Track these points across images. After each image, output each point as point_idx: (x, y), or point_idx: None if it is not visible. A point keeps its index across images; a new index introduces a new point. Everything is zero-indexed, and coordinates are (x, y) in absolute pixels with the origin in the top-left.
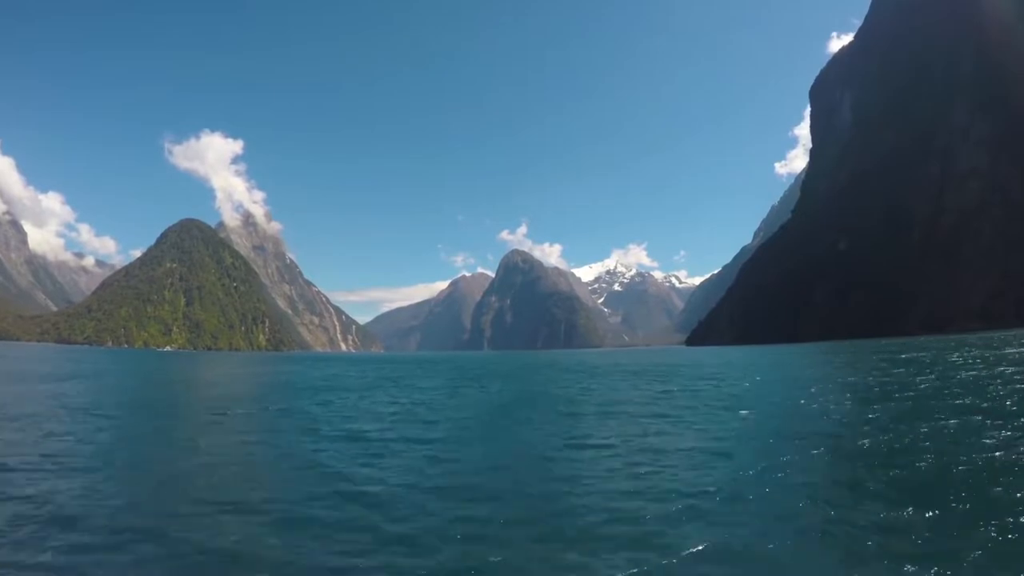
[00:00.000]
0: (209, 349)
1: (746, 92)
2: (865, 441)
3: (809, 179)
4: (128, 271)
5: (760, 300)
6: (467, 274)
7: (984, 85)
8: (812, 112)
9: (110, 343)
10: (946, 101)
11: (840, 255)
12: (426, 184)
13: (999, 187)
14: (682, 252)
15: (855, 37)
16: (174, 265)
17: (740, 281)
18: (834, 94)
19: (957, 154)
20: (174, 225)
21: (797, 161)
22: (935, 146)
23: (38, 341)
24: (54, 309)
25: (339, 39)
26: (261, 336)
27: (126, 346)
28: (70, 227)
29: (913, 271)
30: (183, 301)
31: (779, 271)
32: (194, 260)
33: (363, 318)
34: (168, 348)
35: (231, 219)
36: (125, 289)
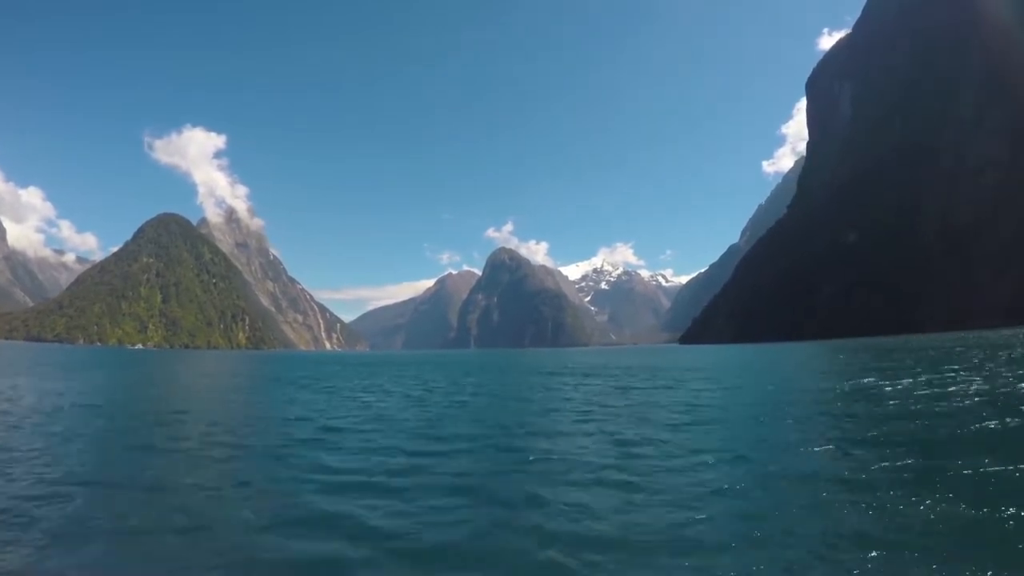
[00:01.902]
0: (186, 347)
1: (734, 90)
2: None
3: (806, 174)
4: (103, 266)
5: (761, 297)
6: (453, 272)
7: (994, 75)
8: (809, 106)
9: (82, 340)
10: (954, 92)
11: (845, 251)
12: (411, 181)
13: (1019, 179)
14: (668, 251)
15: (853, 29)
16: (151, 260)
17: (737, 278)
18: (832, 87)
19: (970, 145)
20: (152, 219)
21: (785, 160)
22: (946, 138)
23: (6, 339)
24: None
25: (323, 36)
26: (241, 334)
27: (99, 344)
28: (50, 223)
29: (926, 266)
30: (159, 297)
31: (780, 267)
32: (171, 255)
33: (348, 316)
34: (139, 346)
35: (213, 215)
36: (99, 285)
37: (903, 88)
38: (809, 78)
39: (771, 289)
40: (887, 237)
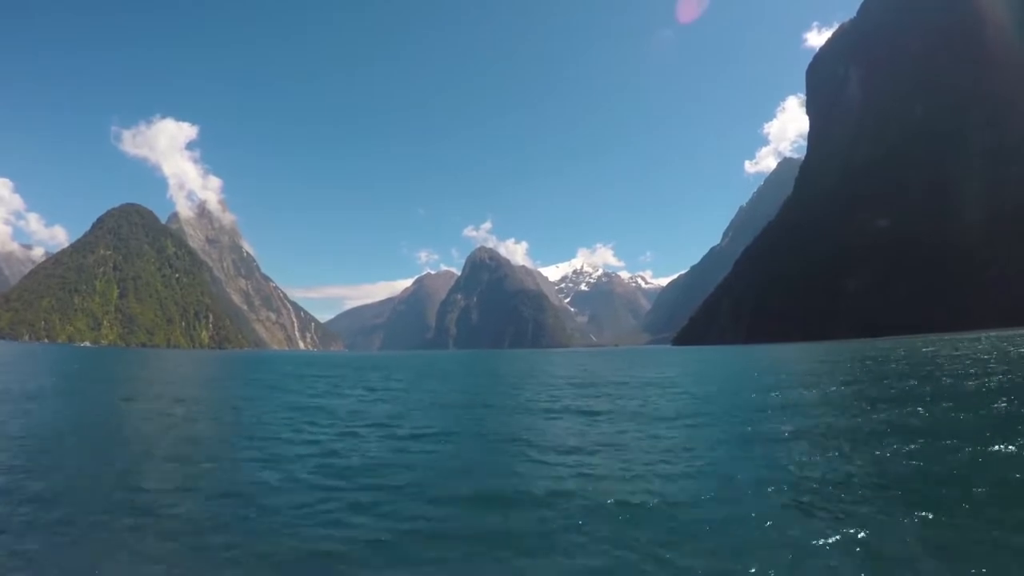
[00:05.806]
0: (143, 346)
1: (716, 91)
2: None
3: (809, 164)
4: (58, 259)
5: (771, 294)
6: (432, 271)
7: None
8: (809, 95)
9: (27, 337)
10: (980, 67)
11: (870, 241)
12: (389, 177)
13: None
14: (648, 253)
15: (858, 13)
16: (108, 252)
17: (738, 275)
18: (837, 73)
19: (1007, 122)
20: (113, 210)
21: (768, 160)
22: (974, 117)
23: None
24: None
25: (300, 28)
26: (204, 332)
27: (46, 341)
28: (19, 216)
29: (965, 255)
30: (116, 292)
31: (791, 262)
32: (131, 248)
33: (324, 316)
34: (86, 343)
35: (184, 209)
36: (51, 278)
37: (920, 67)
38: (810, 65)
39: (784, 285)
40: (916, 223)
